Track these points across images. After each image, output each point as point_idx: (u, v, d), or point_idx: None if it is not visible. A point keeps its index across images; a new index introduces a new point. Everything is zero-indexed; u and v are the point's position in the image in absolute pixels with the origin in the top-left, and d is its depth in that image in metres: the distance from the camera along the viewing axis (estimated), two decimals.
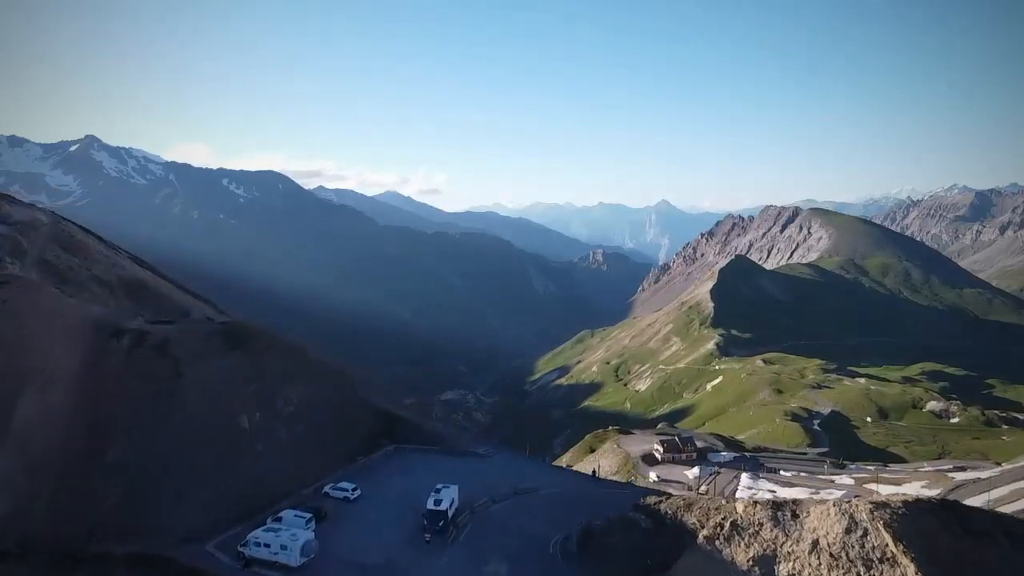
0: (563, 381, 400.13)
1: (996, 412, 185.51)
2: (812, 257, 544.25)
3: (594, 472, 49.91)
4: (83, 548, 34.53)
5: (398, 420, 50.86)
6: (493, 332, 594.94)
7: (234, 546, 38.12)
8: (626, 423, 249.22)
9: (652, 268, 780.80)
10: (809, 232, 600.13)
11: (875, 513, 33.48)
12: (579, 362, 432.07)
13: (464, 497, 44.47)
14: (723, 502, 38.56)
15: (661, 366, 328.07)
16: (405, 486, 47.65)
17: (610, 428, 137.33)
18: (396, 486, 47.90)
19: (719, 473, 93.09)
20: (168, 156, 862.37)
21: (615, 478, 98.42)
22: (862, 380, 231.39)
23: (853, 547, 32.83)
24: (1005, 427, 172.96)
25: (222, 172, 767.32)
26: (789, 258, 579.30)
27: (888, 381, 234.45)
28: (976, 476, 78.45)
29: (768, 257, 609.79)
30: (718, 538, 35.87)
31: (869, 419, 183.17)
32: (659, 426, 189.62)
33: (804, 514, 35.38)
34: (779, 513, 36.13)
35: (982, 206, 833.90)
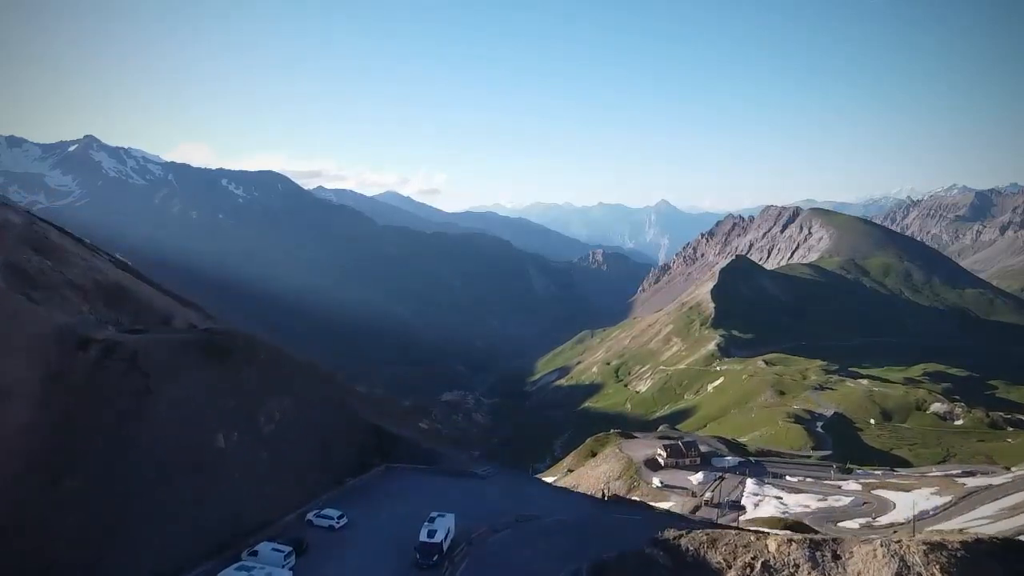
0: (563, 382, 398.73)
1: (1001, 414, 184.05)
2: (813, 257, 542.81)
3: (603, 495, 45.27)
4: None
5: (391, 437, 46.22)
6: (493, 332, 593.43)
7: None
8: (627, 424, 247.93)
9: (652, 268, 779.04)
10: (810, 232, 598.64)
11: (930, 556, 29.72)
12: (579, 363, 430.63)
13: (461, 525, 40.73)
14: (752, 538, 34.47)
15: (662, 367, 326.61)
16: (396, 513, 43.82)
17: (611, 432, 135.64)
18: (387, 513, 43.99)
19: (723, 479, 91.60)
20: (169, 156, 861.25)
21: (618, 483, 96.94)
22: (864, 381, 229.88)
23: None
24: (1010, 429, 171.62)
25: (221, 172, 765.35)
26: (790, 258, 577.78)
27: (890, 382, 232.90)
28: (988, 482, 76.97)
29: (769, 257, 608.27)
30: None
31: (872, 421, 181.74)
32: (660, 428, 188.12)
33: (847, 555, 31.70)
34: (817, 553, 32.42)
35: (982, 206, 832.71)
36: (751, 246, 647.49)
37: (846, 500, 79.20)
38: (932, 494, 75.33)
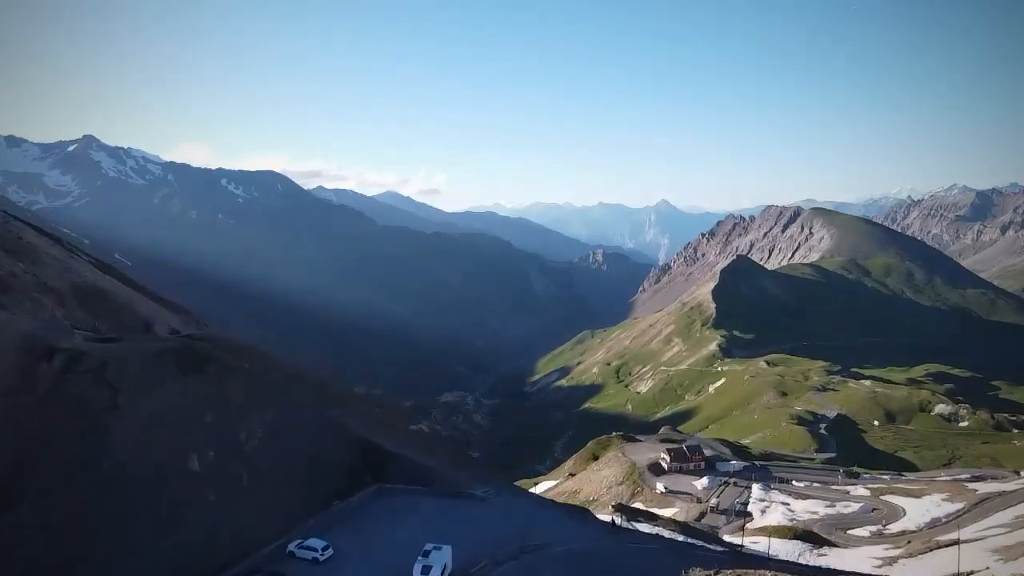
0: (564, 382, 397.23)
1: (1005, 416, 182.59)
2: (814, 257, 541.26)
3: (614, 522, 40.82)
4: None
5: (384, 453, 41.48)
6: (493, 332, 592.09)
7: None
8: (627, 425, 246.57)
9: (652, 268, 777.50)
10: (811, 232, 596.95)
11: None
12: (579, 363, 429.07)
13: (460, 556, 36.54)
14: None
15: (663, 367, 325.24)
16: (388, 541, 39.68)
17: (613, 434, 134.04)
18: (377, 541, 39.81)
19: (729, 484, 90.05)
20: (169, 156, 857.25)
21: (621, 488, 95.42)
22: (867, 382, 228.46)
23: None
24: (1015, 431, 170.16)
25: (221, 172, 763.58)
26: (791, 258, 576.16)
27: (893, 383, 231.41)
28: (1000, 488, 75.39)
29: (769, 257, 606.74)
30: None
31: (876, 422, 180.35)
32: (662, 430, 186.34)
33: None
34: None
35: (983, 206, 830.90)
36: (752, 246, 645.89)
37: (855, 506, 77.59)
38: (943, 500, 73.74)
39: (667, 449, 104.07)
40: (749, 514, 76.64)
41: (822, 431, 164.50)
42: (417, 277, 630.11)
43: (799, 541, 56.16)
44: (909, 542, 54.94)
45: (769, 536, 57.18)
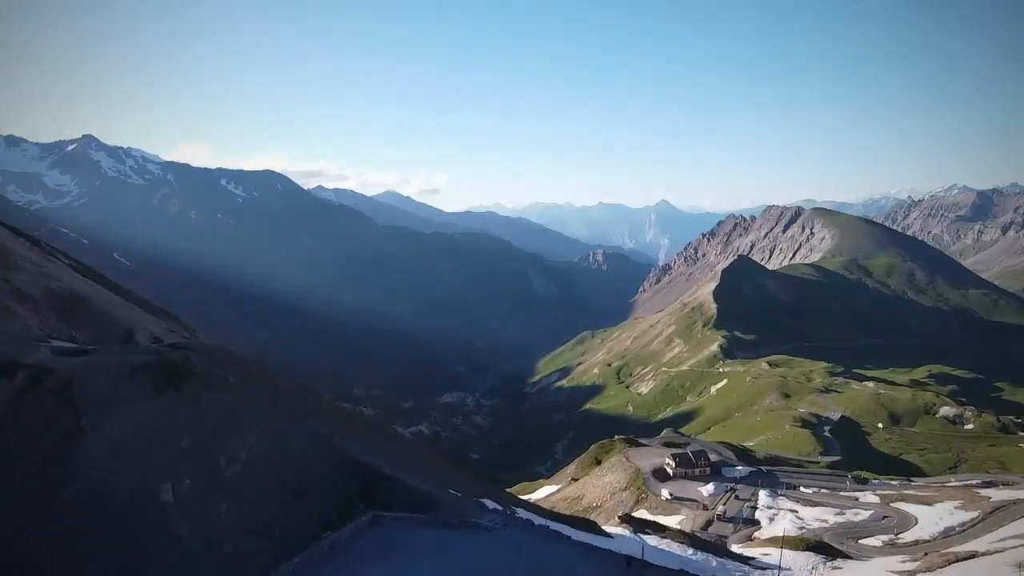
0: (564, 383, 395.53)
1: (1012, 418, 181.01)
2: (815, 257, 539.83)
3: (629, 562, 36.86)
4: None
5: (381, 477, 35.74)
6: (493, 333, 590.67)
7: None
8: (629, 426, 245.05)
9: (653, 268, 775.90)
10: (812, 232, 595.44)
11: None
12: (580, 364, 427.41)
13: None
14: None
15: (664, 368, 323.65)
16: None
17: (616, 438, 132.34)
18: None
19: (735, 490, 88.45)
20: (169, 156, 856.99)
21: (625, 494, 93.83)
22: (870, 384, 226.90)
23: None
24: (1021, 434, 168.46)
25: (220, 172, 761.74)
26: (791, 258, 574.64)
27: (896, 384, 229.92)
28: (1014, 496, 73.82)
29: (770, 257, 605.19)
30: None
31: (880, 425, 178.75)
32: (664, 432, 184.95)
33: None
34: None
35: (983, 206, 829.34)
36: (752, 246, 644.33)
37: (865, 514, 75.96)
38: (956, 508, 72.18)
39: (672, 454, 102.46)
40: (757, 522, 75.04)
41: (826, 434, 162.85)
42: (417, 277, 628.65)
43: (811, 553, 54.50)
44: (926, 554, 53.36)
45: (780, 547, 55.57)
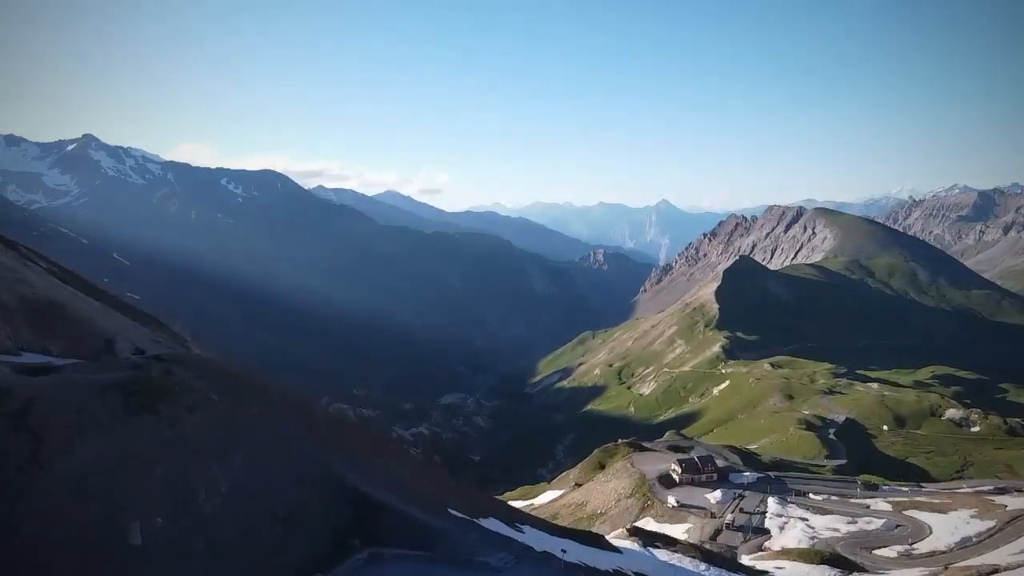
0: (565, 384, 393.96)
1: (1018, 420, 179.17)
2: (817, 258, 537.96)
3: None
4: None
5: (378, 507, 28.77)
6: (493, 333, 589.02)
7: None
8: (630, 428, 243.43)
9: (653, 268, 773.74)
10: (813, 232, 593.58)
11: None
12: (581, 364, 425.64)
13: None
14: None
15: (665, 369, 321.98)
16: None
17: (620, 442, 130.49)
18: None
19: (743, 497, 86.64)
20: (169, 156, 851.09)
21: (630, 501, 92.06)
22: (875, 385, 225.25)
23: None
24: None
25: (221, 172, 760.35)
26: (793, 258, 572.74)
27: (900, 386, 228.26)
28: None
29: (772, 257, 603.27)
30: None
31: (886, 427, 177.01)
32: (667, 435, 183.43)
33: None
34: None
35: (985, 206, 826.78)
36: (754, 246, 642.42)
37: (877, 522, 74.14)
38: (972, 517, 70.43)
39: (678, 459, 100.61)
40: (767, 531, 73.20)
41: (831, 436, 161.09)
42: (417, 277, 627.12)
43: (827, 566, 52.69)
44: (946, 567, 51.62)
45: (794, 560, 53.88)
